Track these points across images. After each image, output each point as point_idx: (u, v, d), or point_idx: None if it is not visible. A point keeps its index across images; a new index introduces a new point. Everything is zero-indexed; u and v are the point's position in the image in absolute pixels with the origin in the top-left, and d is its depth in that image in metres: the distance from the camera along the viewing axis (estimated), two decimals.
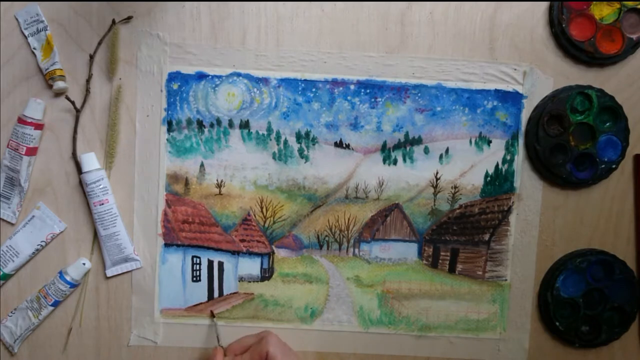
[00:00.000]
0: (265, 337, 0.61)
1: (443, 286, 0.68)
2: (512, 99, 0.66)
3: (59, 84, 0.63)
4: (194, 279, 0.67)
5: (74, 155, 0.65)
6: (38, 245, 0.65)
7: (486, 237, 0.67)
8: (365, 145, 0.66)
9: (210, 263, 0.67)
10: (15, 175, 0.64)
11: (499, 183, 0.67)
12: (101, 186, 0.63)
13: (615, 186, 0.67)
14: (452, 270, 0.68)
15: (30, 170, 0.65)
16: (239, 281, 0.67)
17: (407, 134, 0.66)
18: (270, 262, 0.67)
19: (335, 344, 0.68)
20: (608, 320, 0.67)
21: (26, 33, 0.64)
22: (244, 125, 0.66)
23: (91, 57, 0.64)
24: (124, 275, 0.66)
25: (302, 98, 0.65)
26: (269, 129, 0.66)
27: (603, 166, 0.66)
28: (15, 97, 0.65)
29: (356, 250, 0.67)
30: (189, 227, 0.66)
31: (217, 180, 0.66)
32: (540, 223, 0.67)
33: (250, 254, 0.67)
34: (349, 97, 0.66)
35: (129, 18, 0.64)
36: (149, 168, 0.66)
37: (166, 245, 0.66)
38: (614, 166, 0.66)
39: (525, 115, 0.66)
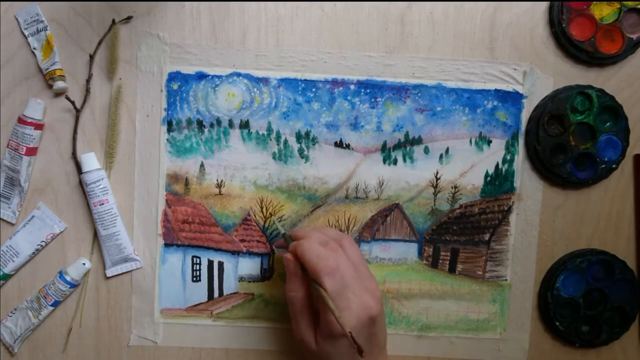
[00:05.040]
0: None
1: (443, 286, 0.68)
2: (512, 98, 0.66)
3: (59, 84, 0.63)
4: (194, 279, 0.67)
5: (74, 155, 0.65)
6: (38, 245, 0.65)
7: (486, 237, 0.67)
8: (365, 145, 0.66)
9: (210, 263, 0.67)
10: (15, 175, 0.64)
11: (499, 183, 0.67)
12: (101, 186, 0.63)
13: (615, 186, 0.67)
14: (452, 270, 0.68)
15: (30, 170, 0.65)
16: (239, 281, 0.67)
17: (407, 134, 0.66)
18: (271, 262, 0.67)
19: None
20: (608, 320, 0.67)
21: (26, 33, 0.64)
22: (244, 125, 0.66)
23: (91, 57, 0.64)
24: (124, 275, 0.66)
25: (302, 98, 0.65)
26: (269, 129, 0.66)
27: (603, 166, 0.66)
28: (15, 97, 0.65)
29: None
30: (189, 227, 0.66)
31: (217, 180, 0.66)
32: (540, 223, 0.67)
33: (250, 254, 0.67)
34: (349, 97, 0.65)
35: (129, 18, 0.64)
36: (149, 168, 0.66)
37: (166, 245, 0.66)
38: (614, 166, 0.66)
39: (525, 115, 0.66)
